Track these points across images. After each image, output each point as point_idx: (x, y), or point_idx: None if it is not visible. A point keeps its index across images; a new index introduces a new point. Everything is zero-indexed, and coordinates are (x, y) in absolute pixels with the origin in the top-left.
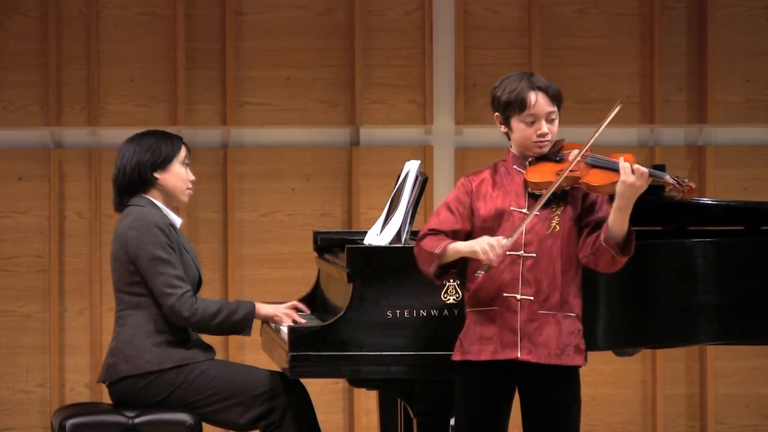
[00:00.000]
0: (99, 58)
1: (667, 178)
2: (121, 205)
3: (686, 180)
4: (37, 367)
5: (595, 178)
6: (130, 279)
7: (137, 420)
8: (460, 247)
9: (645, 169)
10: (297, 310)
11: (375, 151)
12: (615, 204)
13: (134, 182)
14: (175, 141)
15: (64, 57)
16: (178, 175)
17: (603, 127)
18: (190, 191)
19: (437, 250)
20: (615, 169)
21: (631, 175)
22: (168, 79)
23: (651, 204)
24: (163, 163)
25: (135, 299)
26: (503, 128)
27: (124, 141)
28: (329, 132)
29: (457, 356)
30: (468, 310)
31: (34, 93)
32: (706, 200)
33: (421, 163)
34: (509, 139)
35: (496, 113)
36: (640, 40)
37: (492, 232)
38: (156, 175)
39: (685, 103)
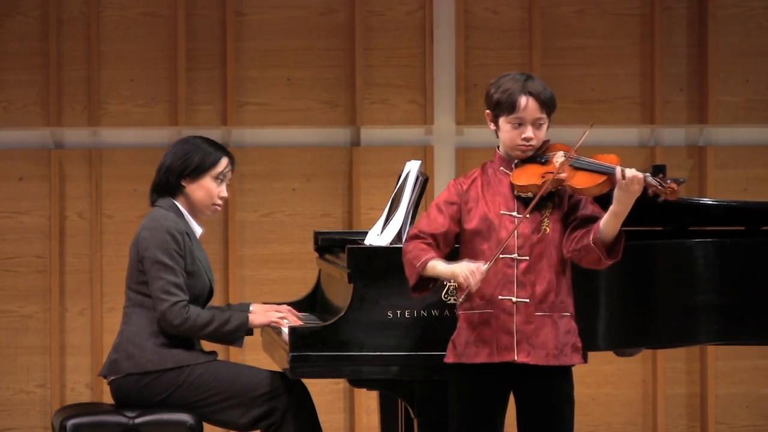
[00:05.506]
0: (99, 58)
1: (650, 179)
2: (152, 201)
3: (669, 181)
4: (38, 367)
5: (581, 181)
6: (138, 278)
7: (138, 420)
8: (440, 269)
9: (640, 174)
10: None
11: (375, 151)
12: (611, 208)
13: (163, 185)
14: (216, 154)
15: (65, 57)
16: (206, 189)
17: (585, 135)
18: (216, 207)
19: (418, 265)
20: (600, 172)
21: (630, 184)
22: (168, 79)
23: (651, 204)
24: (193, 174)
25: (141, 298)
26: (492, 126)
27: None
28: (330, 132)
29: (450, 359)
30: (461, 312)
31: (35, 93)
32: (707, 200)
33: (421, 164)
34: (497, 137)
35: (488, 110)
36: (641, 40)
37: (482, 236)
38: (183, 183)
39: (686, 103)
